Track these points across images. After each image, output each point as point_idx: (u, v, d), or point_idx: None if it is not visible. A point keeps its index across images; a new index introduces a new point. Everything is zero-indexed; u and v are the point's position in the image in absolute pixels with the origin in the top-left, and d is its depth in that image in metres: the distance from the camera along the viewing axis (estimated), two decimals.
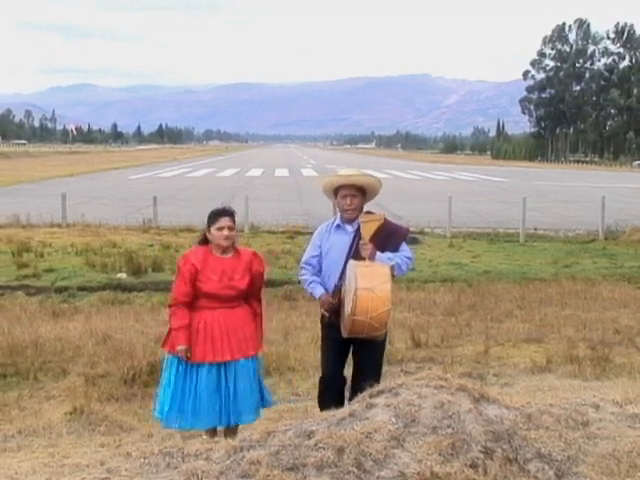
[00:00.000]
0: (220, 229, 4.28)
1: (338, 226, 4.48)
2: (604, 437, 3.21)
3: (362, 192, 4.40)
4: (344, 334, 4.19)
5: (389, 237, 4.36)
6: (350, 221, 4.42)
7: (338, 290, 4.31)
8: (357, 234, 4.37)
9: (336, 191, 4.42)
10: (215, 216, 4.32)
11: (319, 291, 4.40)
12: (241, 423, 4.41)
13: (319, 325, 4.69)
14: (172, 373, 4.35)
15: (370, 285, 3.98)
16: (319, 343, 4.83)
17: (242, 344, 4.34)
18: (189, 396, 4.28)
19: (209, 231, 4.33)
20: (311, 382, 6.00)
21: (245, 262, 4.37)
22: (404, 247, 4.40)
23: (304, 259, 4.57)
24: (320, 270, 4.48)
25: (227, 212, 4.34)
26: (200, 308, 4.33)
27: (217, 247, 4.33)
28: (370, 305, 3.97)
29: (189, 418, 4.30)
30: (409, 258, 4.38)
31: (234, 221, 4.35)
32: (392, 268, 4.19)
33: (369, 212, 4.46)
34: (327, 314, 4.37)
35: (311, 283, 4.47)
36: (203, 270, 4.28)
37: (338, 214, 4.55)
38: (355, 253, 4.29)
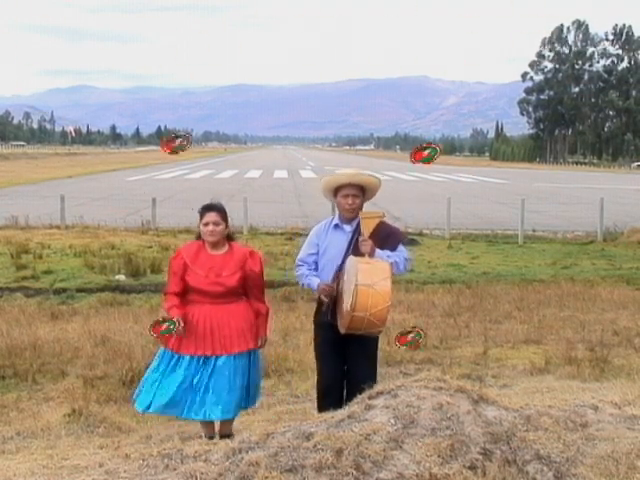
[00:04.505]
0: (206, 224, 4.33)
1: (336, 225, 4.49)
2: (603, 438, 3.21)
3: (363, 192, 4.42)
4: (342, 330, 4.17)
5: (388, 237, 4.39)
6: (349, 221, 4.43)
7: (336, 278, 4.31)
8: (355, 233, 4.38)
9: (336, 191, 4.43)
10: (202, 211, 4.38)
11: (316, 281, 4.40)
12: (213, 419, 4.43)
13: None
14: (158, 361, 4.43)
15: (370, 281, 3.97)
16: None
17: (226, 341, 4.34)
18: (167, 384, 4.34)
19: (200, 227, 4.39)
20: (310, 383, 5.99)
21: (237, 260, 4.39)
22: (401, 248, 4.43)
23: (300, 256, 4.57)
24: (316, 269, 4.48)
25: (213, 207, 4.37)
26: (192, 302, 4.38)
27: (207, 243, 4.37)
28: (370, 301, 3.96)
29: (162, 405, 4.35)
30: (407, 259, 4.41)
31: (223, 217, 4.37)
32: (391, 266, 4.21)
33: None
34: (327, 300, 4.32)
35: (307, 276, 4.47)
36: (192, 265, 4.33)
37: (336, 213, 4.56)
38: (354, 250, 4.30)
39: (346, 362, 4.48)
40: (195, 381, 4.32)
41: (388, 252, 4.30)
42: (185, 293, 4.38)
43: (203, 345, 4.31)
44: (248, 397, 4.49)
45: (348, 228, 4.43)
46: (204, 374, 4.32)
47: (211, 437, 4.46)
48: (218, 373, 4.33)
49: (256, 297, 4.50)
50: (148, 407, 4.42)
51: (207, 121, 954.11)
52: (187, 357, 4.32)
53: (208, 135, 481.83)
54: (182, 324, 4.25)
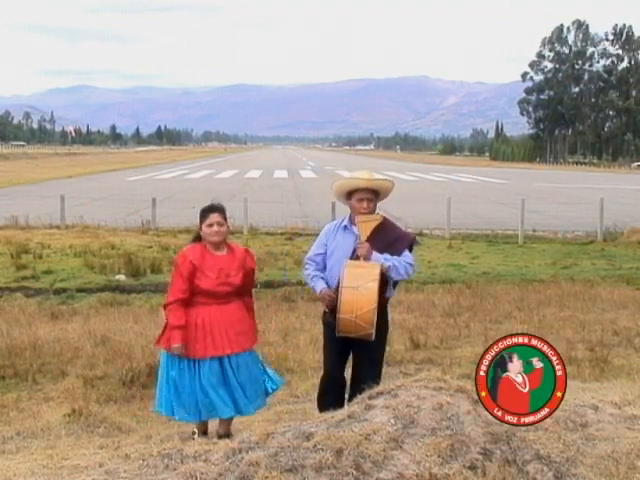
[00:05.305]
0: (210, 225, 4.34)
1: (345, 227, 4.50)
2: (603, 438, 3.21)
3: (376, 195, 4.45)
4: (336, 333, 4.23)
5: (396, 241, 4.40)
6: None
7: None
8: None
9: (350, 194, 4.44)
10: (204, 213, 4.39)
11: (320, 285, 4.42)
12: (252, 411, 4.49)
13: (318, 326, 4.69)
14: (173, 370, 4.39)
15: (355, 284, 4.05)
16: (318, 344, 4.83)
17: (240, 338, 4.40)
18: (194, 392, 4.33)
19: (201, 229, 4.39)
20: (310, 383, 5.99)
21: (239, 259, 4.44)
22: (406, 253, 4.41)
23: (309, 255, 4.61)
24: (324, 268, 4.50)
25: (216, 208, 4.40)
26: (196, 304, 4.37)
27: (210, 244, 4.38)
28: (355, 304, 4.02)
29: (198, 412, 4.37)
30: (410, 264, 4.37)
31: (225, 217, 4.40)
32: (388, 269, 4.21)
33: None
34: (327, 309, 4.37)
35: (313, 277, 4.50)
36: (201, 267, 4.32)
37: (347, 215, 4.56)
38: (354, 253, 4.32)
39: (352, 362, 4.52)
40: (227, 381, 4.34)
41: (387, 255, 4.30)
42: (190, 298, 4.36)
43: (222, 345, 4.33)
44: (271, 382, 4.59)
45: (356, 230, 4.43)
46: (233, 372, 4.36)
47: (204, 433, 4.49)
48: (243, 369, 4.38)
49: (248, 293, 4.57)
50: (172, 412, 4.43)
51: (207, 121, 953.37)
52: (207, 360, 4.32)
53: (208, 135, 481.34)
54: (183, 351, 4.29)
